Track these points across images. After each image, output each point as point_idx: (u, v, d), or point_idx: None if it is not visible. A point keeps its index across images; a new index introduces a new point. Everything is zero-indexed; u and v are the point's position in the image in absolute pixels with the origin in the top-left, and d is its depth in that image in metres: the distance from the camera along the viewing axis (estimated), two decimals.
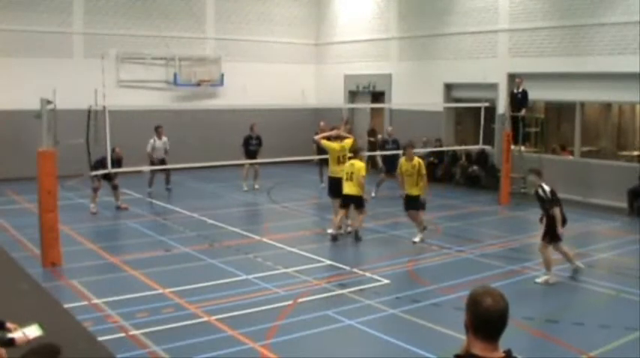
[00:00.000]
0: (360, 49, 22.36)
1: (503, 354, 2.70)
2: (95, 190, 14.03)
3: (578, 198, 16.05)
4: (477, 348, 2.68)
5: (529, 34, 17.07)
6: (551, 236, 9.51)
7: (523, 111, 16.51)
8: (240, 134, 17.72)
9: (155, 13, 20.62)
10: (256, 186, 17.34)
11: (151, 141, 16.23)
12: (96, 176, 13.35)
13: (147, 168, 15.73)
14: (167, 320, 7.70)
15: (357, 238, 11.92)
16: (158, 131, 16.29)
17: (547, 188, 9.60)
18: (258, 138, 17.51)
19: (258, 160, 16.47)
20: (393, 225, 13.56)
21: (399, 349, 6.98)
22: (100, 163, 13.70)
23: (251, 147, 17.33)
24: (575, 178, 16.34)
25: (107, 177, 13.79)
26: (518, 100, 16.34)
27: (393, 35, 21.21)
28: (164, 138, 16.38)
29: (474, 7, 18.49)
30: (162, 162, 16.07)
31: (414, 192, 11.70)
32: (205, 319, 7.78)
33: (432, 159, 19.11)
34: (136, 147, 17.47)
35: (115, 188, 14.40)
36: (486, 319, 2.67)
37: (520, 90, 16.51)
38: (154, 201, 15.69)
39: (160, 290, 8.86)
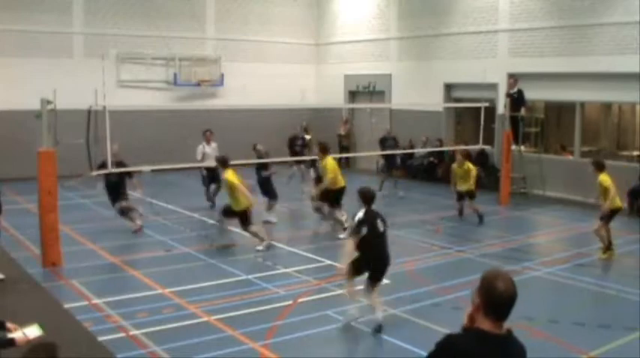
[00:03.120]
0: (360, 49, 22.36)
1: (506, 332, 2.98)
2: (125, 212, 12.55)
3: (578, 198, 16.04)
4: (486, 325, 2.94)
5: (529, 34, 17.07)
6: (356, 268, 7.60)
7: (522, 111, 16.51)
8: (240, 134, 17.73)
9: (155, 13, 20.62)
10: (305, 190, 15.85)
11: (200, 146, 14.49)
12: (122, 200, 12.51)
13: (147, 168, 15.62)
14: (167, 320, 7.70)
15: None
16: (206, 135, 14.54)
17: (360, 215, 7.48)
18: (304, 139, 16.68)
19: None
20: (394, 225, 13.54)
21: (399, 349, 6.99)
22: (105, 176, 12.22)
23: (296, 147, 16.44)
24: (575, 178, 16.33)
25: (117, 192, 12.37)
26: (515, 100, 16.34)
27: (393, 35, 21.21)
28: (214, 144, 14.58)
29: (473, 7, 18.49)
30: (215, 171, 13.80)
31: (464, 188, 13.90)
32: (205, 319, 7.78)
33: (432, 158, 19.12)
34: (136, 148, 17.49)
35: (124, 212, 12.51)
36: (499, 303, 2.92)
37: (515, 90, 16.52)
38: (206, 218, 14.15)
39: (160, 290, 8.86)
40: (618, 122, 18.16)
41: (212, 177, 14.35)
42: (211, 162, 13.81)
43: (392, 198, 16.25)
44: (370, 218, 7.45)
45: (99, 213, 14.10)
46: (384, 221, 7.59)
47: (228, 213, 11.31)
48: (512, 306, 2.94)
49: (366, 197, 7.63)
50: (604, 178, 10.79)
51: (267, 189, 12.59)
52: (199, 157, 14.41)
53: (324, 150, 12.49)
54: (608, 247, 10.88)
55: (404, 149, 19.49)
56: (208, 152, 14.40)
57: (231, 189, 10.98)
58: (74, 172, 14.00)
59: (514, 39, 17.48)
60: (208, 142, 14.53)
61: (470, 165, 14.03)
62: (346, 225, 11.78)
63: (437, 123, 19.51)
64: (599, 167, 10.95)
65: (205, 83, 21.21)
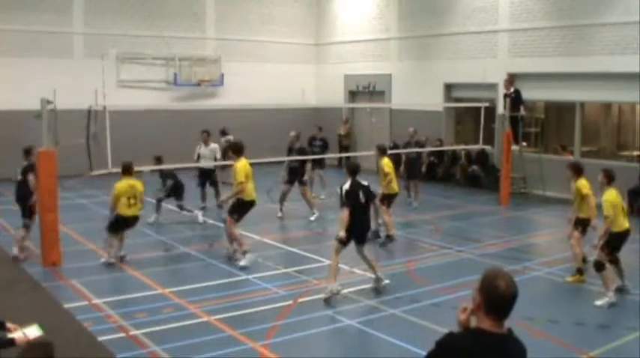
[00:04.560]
0: (360, 49, 22.36)
1: (506, 331, 3.00)
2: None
3: None
4: (487, 325, 2.96)
5: (529, 34, 17.07)
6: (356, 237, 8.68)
7: (522, 111, 16.50)
8: (240, 134, 17.64)
9: (155, 13, 20.62)
10: (322, 196, 15.94)
11: (197, 147, 14.37)
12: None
13: (147, 168, 15.57)
14: (167, 320, 7.70)
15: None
16: (202, 136, 14.28)
17: (346, 186, 8.51)
18: (323, 140, 16.28)
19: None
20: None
21: (399, 349, 6.99)
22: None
23: (314, 149, 15.87)
24: None
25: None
26: (513, 100, 16.33)
27: (393, 35, 21.21)
28: (212, 145, 14.29)
29: (474, 7, 18.49)
30: (209, 174, 14.16)
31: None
32: (205, 319, 7.79)
33: (432, 158, 19.12)
34: (136, 147, 17.48)
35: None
36: (500, 302, 2.94)
37: (512, 90, 16.51)
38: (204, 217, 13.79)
39: (160, 290, 8.86)
40: (618, 122, 18.16)
41: (205, 178, 14.24)
42: (206, 163, 13.94)
43: (405, 207, 15.26)
44: (354, 189, 8.48)
45: (99, 213, 14.09)
46: (367, 192, 8.58)
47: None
48: (513, 305, 2.95)
49: (351, 169, 8.76)
50: (583, 183, 9.46)
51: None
52: (195, 158, 14.34)
53: (237, 151, 10.41)
54: (580, 270, 9.56)
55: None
56: (204, 153, 14.17)
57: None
58: (74, 172, 13.99)
59: (514, 39, 17.48)
60: (206, 143, 14.28)
61: (386, 161, 11.51)
62: (246, 248, 10.15)
63: (437, 123, 19.51)
64: (578, 171, 9.46)
65: (205, 83, 21.21)
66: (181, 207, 13.54)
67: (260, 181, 17.24)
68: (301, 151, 14.43)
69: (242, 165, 10.19)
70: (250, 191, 10.30)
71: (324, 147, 16.38)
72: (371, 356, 7.12)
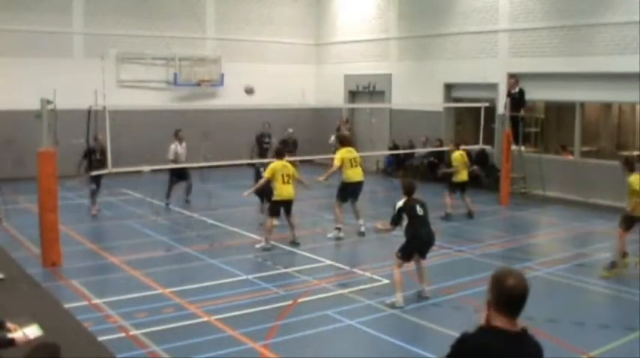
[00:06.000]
0: (360, 49, 22.36)
1: (520, 330, 3.07)
2: (93, 193, 13.80)
3: (578, 198, 16.05)
4: (499, 322, 3.03)
5: (529, 34, 17.07)
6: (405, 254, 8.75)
7: (522, 111, 16.50)
8: (239, 134, 17.68)
9: (155, 13, 20.62)
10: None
11: (172, 146, 14.98)
12: (92, 177, 13.09)
13: (147, 168, 15.61)
14: (167, 320, 7.70)
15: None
16: (179, 135, 15.13)
17: (399, 203, 8.71)
18: (270, 136, 16.84)
19: (263, 160, 14.40)
20: None
21: (399, 349, 6.98)
22: (86, 156, 13.20)
23: (264, 145, 16.50)
24: (575, 178, 16.34)
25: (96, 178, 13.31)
26: (516, 100, 16.33)
27: (392, 35, 21.21)
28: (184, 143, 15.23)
29: (474, 7, 18.49)
30: (183, 170, 15.00)
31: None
32: (205, 319, 7.78)
33: (432, 158, 19.12)
34: (136, 147, 17.52)
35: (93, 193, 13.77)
36: (510, 299, 3.04)
37: (516, 90, 16.51)
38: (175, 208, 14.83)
39: (160, 290, 8.86)
40: (618, 122, 18.17)
41: (180, 175, 15.03)
42: (184, 162, 14.85)
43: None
44: (409, 205, 8.67)
45: (99, 213, 14.08)
46: (423, 206, 8.82)
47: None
48: (523, 302, 3.05)
49: (405, 188, 8.87)
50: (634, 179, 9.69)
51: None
52: (171, 157, 14.88)
53: (341, 142, 12.82)
54: (614, 263, 9.78)
55: (404, 149, 19.52)
56: (180, 152, 14.99)
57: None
58: (74, 172, 13.99)
59: (514, 39, 17.48)
60: (181, 142, 15.07)
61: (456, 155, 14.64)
62: (339, 225, 11.88)
63: (437, 123, 19.51)
64: (630, 166, 9.86)
65: (205, 83, 21.21)
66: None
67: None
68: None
69: (340, 152, 12.33)
70: (349, 174, 12.25)
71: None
72: (371, 356, 7.12)
